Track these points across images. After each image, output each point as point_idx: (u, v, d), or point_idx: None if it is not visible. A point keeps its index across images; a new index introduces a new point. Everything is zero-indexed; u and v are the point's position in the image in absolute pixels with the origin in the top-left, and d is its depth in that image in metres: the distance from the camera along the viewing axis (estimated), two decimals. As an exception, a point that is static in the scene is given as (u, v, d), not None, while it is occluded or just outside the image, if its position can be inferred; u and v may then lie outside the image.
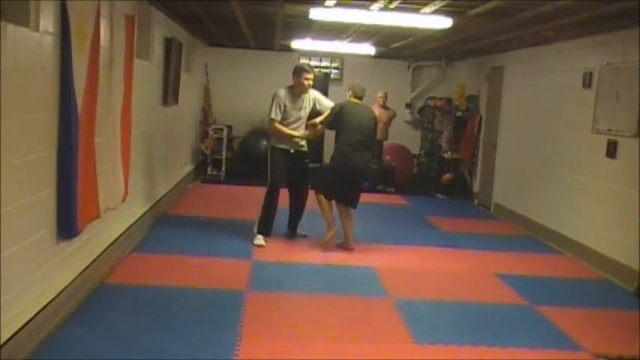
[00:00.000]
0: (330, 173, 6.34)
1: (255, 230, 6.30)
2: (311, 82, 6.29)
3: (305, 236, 6.63)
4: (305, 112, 6.39)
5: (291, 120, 6.28)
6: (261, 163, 9.88)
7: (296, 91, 6.28)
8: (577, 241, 6.58)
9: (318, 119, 6.41)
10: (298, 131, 6.33)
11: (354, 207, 6.34)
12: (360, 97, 6.34)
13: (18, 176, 3.27)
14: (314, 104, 6.40)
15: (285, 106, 6.22)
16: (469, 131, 10.12)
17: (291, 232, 6.65)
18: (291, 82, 6.31)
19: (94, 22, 4.15)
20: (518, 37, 7.52)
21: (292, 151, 6.33)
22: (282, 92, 6.25)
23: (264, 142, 10.64)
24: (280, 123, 6.24)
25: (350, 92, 6.36)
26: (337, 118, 6.19)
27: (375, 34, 8.05)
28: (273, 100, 6.25)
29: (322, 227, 6.33)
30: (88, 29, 4.04)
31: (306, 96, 6.33)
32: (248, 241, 6.26)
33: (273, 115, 6.23)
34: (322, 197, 6.23)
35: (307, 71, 6.27)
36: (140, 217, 6.13)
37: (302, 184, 6.56)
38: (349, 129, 6.12)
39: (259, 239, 6.22)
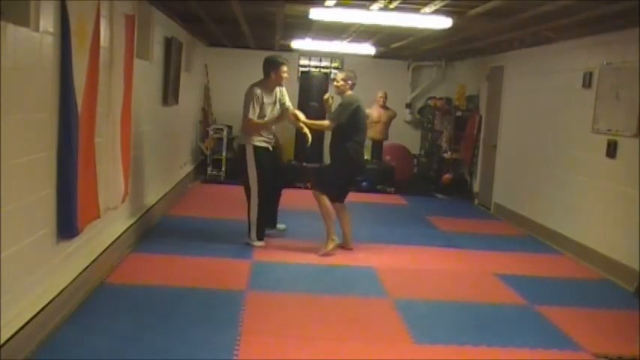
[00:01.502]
0: (341, 175, 6.14)
1: (255, 237, 6.18)
2: (288, 76, 6.17)
3: (285, 230, 6.62)
4: (277, 107, 6.19)
5: (266, 118, 6.11)
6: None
7: (270, 86, 6.10)
8: (577, 241, 6.58)
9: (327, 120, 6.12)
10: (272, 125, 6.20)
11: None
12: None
13: (18, 176, 3.27)
14: (279, 96, 6.22)
15: (262, 103, 6.02)
16: (469, 131, 10.12)
17: (271, 229, 6.51)
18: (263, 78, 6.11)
19: (94, 22, 4.15)
20: (518, 37, 7.52)
21: (271, 148, 6.18)
22: (258, 90, 6.01)
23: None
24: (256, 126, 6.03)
25: (349, 82, 6.08)
26: (353, 116, 5.98)
27: (375, 34, 8.05)
28: (249, 98, 5.99)
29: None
30: (88, 29, 4.04)
31: (275, 90, 6.17)
32: (246, 241, 6.26)
33: (251, 115, 5.96)
34: (326, 200, 6.03)
35: (285, 64, 6.12)
36: (140, 217, 6.13)
37: (282, 181, 6.54)
38: (362, 127, 6.07)
39: (259, 243, 6.20)
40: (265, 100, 6.06)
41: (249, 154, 6.07)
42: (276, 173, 6.30)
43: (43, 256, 3.72)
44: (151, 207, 6.68)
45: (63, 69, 3.70)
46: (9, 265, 3.18)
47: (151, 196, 6.82)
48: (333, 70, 11.77)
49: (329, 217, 6.08)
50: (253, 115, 6.00)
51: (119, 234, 5.34)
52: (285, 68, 6.11)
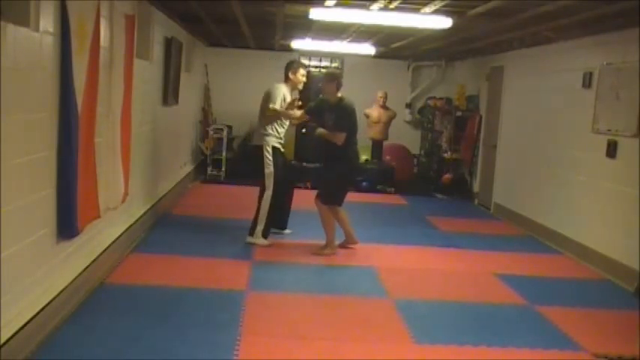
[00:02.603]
0: (344, 182, 6.13)
1: (260, 234, 6.19)
2: (305, 80, 6.33)
3: (289, 233, 6.65)
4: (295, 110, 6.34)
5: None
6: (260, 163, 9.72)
7: (290, 88, 6.28)
8: (577, 241, 6.58)
9: (338, 135, 5.88)
10: (286, 125, 6.34)
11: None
12: None
13: (18, 176, 3.27)
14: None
15: (284, 101, 6.17)
16: (469, 131, 10.12)
17: (281, 231, 6.60)
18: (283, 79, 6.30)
19: (94, 22, 4.15)
20: (518, 37, 7.52)
21: (282, 148, 6.34)
22: (283, 87, 6.23)
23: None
24: (274, 119, 6.17)
25: (335, 83, 5.91)
26: (353, 121, 5.94)
27: (375, 34, 8.05)
28: (274, 92, 6.13)
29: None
30: (88, 29, 4.04)
31: (293, 92, 6.38)
32: (248, 241, 6.26)
33: (277, 106, 6.08)
34: (328, 210, 6.02)
35: (304, 67, 6.36)
36: (140, 217, 6.13)
37: (291, 181, 6.63)
38: (356, 129, 6.00)
39: (264, 241, 6.21)
40: (287, 99, 6.21)
41: (267, 154, 6.15)
42: (287, 172, 6.40)
43: (43, 256, 3.71)
44: (151, 207, 6.68)
45: (63, 69, 3.70)
46: (9, 265, 3.18)
47: (151, 196, 6.82)
48: (334, 71, 11.78)
49: (331, 228, 6.07)
50: (279, 106, 6.11)
51: (119, 234, 5.34)
52: (302, 71, 6.28)
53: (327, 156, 6.17)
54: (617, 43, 6.12)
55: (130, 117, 5.31)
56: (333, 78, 6.01)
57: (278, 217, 6.48)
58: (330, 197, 6.06)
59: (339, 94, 5.99)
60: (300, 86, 6.36)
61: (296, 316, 4.39)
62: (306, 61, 11.61)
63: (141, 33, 5.86)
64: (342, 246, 6.26)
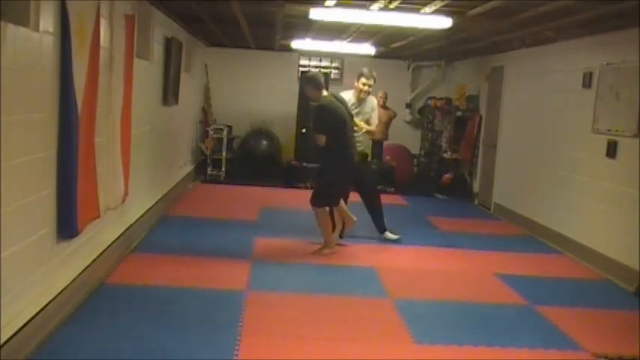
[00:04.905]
0: (335, 184, 6.04)
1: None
2: (366, 89, 6.38)
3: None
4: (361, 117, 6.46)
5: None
6: (259, 163, 9.80)
7: (356, 95, 6.45)
8: (577, 241, 6.58)
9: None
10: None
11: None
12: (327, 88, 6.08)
13: (18, 176, 3.27)
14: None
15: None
16: (469, 131, 10.12)
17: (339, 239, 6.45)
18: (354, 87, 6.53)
19: (94, 22, 4.15)
20: (518, 37, 7.52)
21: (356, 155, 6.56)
22: (350, 93, 6.46)
23: (264, 142, 10.70)
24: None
25: (311, 85, 5.88)
26: (326, 121, 5.81)
27: (375, 34, 8.05)
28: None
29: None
30: (88, 29, 4.04)
31: (365, 100, 6.49)
32: (248, 241, 6.26)
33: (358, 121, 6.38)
34: (323, 212, 5.99)
35: (364, 76, 6.38)
36: (140, 217, 6.13)
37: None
38: (344, 128, 5.89)
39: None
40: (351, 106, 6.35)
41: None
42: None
43: (43, 256, 3.71)
44: (151, 207, 6.68)
45: (63, 69, 3.70)
46: (9, 265, 3.18)
47: (151, 196, 6.82)
48: (334, 71, 11.78)
49: (327, 228, 6.04)
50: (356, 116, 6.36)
51: (119, 234, 5.34)
52: (363, 79, 6.38)
53: (323, 158, 6.04)
54: (617, 43, 6.12)
55: (130, 117, 5.32)
56: (308, 81, 6.02)
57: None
58: (316, 198, 6.00)
59: (325, 94, 5.91)
60: (362, 94, 6.38)
61: (296, 316, 4.39)
62: (306, 61, 11.64)
63: (141, 33, 5.86)
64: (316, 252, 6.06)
